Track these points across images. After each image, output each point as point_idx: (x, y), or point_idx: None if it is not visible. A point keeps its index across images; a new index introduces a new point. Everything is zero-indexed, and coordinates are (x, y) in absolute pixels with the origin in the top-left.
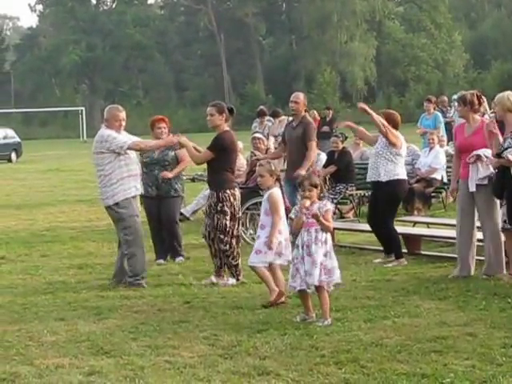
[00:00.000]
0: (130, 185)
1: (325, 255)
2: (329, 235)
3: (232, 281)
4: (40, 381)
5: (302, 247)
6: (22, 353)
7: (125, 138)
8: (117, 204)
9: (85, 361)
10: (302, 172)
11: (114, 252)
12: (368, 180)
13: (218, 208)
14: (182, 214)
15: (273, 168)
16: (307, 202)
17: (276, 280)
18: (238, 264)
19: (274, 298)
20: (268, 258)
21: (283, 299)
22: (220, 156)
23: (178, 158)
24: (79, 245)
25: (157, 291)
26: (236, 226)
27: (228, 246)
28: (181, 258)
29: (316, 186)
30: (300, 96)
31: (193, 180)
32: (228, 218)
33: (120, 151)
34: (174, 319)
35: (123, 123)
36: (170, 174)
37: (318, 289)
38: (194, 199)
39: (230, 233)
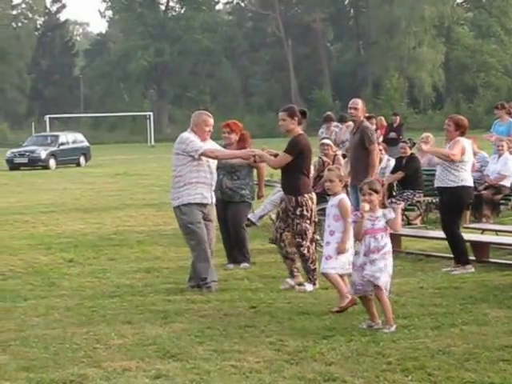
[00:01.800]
0: (197, 191)
1: (384, 261)
2: (389, 240)
3: (309, 287)
4: (107, 383)
5: (365, 254)
6: (90, 355)
7: (201, 143)
8: (179, 208)
9: (151, 364)
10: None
11: (180, 256)
12: (435, 186)
13: (298, 212)
14: (248, 219)
15: (342, 173)
16: (366, 207)
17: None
18: (315, 269)
19: (346, 303)
20: (339, 263)
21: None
22: (297, 160)
23: (250, 164)
24: (146, 249)
25: (223, 296)
26: (313, 231)
27: (306, 250)
28: (246, 264)
29: (376, 191)
30: (358, 102)
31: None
32: (308, 222)
33: (194, 155)
34: (239, 324)
35: (209, 131)
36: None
37: (378, 294)
38: (261, 205)
39: (309, 237)
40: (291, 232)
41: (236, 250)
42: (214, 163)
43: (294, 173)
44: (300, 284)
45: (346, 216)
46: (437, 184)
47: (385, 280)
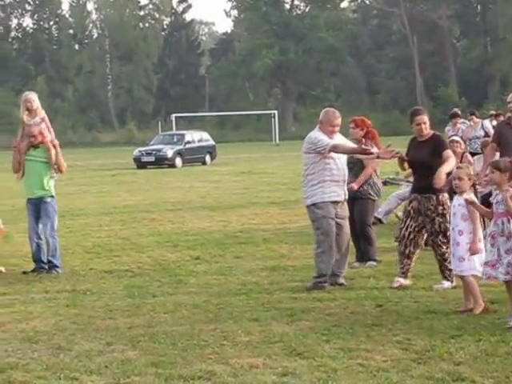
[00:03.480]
0: (331, 189)
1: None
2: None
3: (447, 284)
4: (235, 380)
5: (485, 237)
6: (217, 352)
7: (329, 139)
8: (314, 204)
9: (278, 362)
10: None
11: (306, 254)
12: None
13: (439, 211)
14: (375, 217)
15: (471, 172)
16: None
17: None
18: (451, 269)
19: (479, 311)
20: (472, 265)
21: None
22: (438, 158)
23: (363, 162)
24: (272, 247)
25: (349, 294)
26: None
27: (445, 248)
28: (372, 262)
29: (500, 170)
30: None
31: (384, 183)
32: (447, 221)
33: (324, 152)
34: (366, 322)
35: (336, 129)
36: (355, 186)
37: (509, 284)
38: (386, 200)
39: (448, 236)
40: (430, 231)
41: (362, 248)
42: (343, 159)
43: (434, 172)
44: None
45: (474, 215)
46: None
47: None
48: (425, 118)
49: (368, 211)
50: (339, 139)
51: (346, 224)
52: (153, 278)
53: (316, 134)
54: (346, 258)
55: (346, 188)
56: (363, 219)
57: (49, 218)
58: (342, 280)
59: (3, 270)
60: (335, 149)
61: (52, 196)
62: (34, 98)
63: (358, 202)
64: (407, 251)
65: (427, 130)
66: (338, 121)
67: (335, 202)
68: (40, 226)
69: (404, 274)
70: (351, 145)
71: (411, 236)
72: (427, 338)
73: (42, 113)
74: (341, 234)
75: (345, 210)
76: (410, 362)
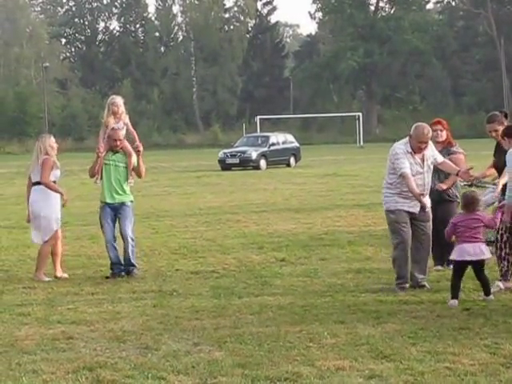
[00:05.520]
0: (406, 200)
1: None
2: None
3: None
4: (321, 382)
5: None
6: (304, 353)
7: (406, 163)
8: (388, 210)
9: (365, 364)
10: None
11: None
12: None
13: None
14: None
15: None
16: None
17: None
18: None
19: None
20: None
21: None
22: None
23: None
24: (357, 249)
25: (435, 297)
26: None
27: None
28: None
29: None
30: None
31: (470, 185)
32: None
33: (396, 173)
34: (453, 326)
35: (424, 146)
36: (444, 186)
37: None
38: None
39: None
40: None
41: (445, 250)
42: (429, 174)
43: None
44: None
45: None
46: None
47: None
48: (496, 126)
49: (451, 213)
50: (429, 152)
51: (428, 227)
52: (238, 280)
53: (400, 150)
54: (426, 262)
55: (426, 199)
56: (445, 221)
57: (130, 221)
58: (424, 283)
59: (66, 275)
60: (403, 179)
61: (132, 201)
62: (120, 102)
63: (444, 204)
64: (503, 253)
65: (499, 138)
66: (427, 137)
67: (408, 212)
68: (124, 227)
69: (504, 277)
70: (413, 187)
71: (504, 238)
72: None
73: (127, 118)
74: (422, 237)
75: (427, 214)
76: (498, 366)
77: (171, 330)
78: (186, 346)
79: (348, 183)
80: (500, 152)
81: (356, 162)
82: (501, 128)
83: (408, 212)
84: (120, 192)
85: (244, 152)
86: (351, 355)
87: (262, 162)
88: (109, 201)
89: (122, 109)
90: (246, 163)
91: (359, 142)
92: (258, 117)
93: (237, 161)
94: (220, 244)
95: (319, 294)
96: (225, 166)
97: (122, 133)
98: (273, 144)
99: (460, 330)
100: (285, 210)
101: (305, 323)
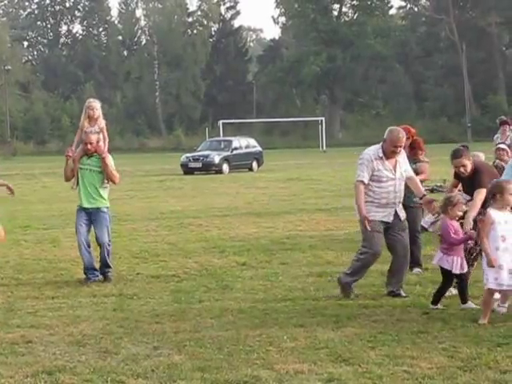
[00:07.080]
0: (378, 210)
1: None
2: None
3: None
4: None
5: None
6: (263, 357)
7: (365, 172)
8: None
9: (324, 367)
10: None
11: None
12: None
13: None
14: (421, 225)
15: None
16: None
17: None
18: None
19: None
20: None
21: None
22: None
23: (417, 170)
24: (318, 253)
25: (395, 301)
26: None
27: None
28: (418, 269)
29: None
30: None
31: (432, 191)
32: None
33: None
34: (412, 329)
35: (398, 150)
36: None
37: None
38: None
39: None
40: None
41: (411, 254)
42: (402, 182)
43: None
44: None
45: None
46: None
47: None
48: (464, 161)
49: (416, 218)
50: (403, 160)
51: (405, 236)
52: (199, 284)
53: (367, 155)
54: (402, 272)
55: (399, 208)
56: (413, 226)
57: (106, 227)
58: (400, 291)
59: None
60: (355, 187)
61: (107, 206)
62: (96, 106)
63: (409, 210)
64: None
65: (467, 173)
66: (402, 141)
67: (382, 221)
68: (99, 234)
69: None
70: (360, 201)
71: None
72: (473, 346)
73: (103, 123)
74: (398, 247)
75: (403, 223)
76: (455, 370)
77: (131, 333)
78: (146, 350)
79: (310, 187)
80: (463, 180)
81: (319, 166)
82: (468, 163)
83: (382, 221)
84: (96, 197)
85: (207, 156)
86: (310, 359)
87: (225, 166)
88: (85, 205)
89: (98, 113)
90: (208, 167)
91: (322, 147)
92: (221, 121)
93: (199, 165)
94: (181, 248)
95: (280, 297)
96: (187, 170)
97: (96, 136)
98: (235, 148)
99: (419, 334)
100: (247, 214)
101: (265, 327)
